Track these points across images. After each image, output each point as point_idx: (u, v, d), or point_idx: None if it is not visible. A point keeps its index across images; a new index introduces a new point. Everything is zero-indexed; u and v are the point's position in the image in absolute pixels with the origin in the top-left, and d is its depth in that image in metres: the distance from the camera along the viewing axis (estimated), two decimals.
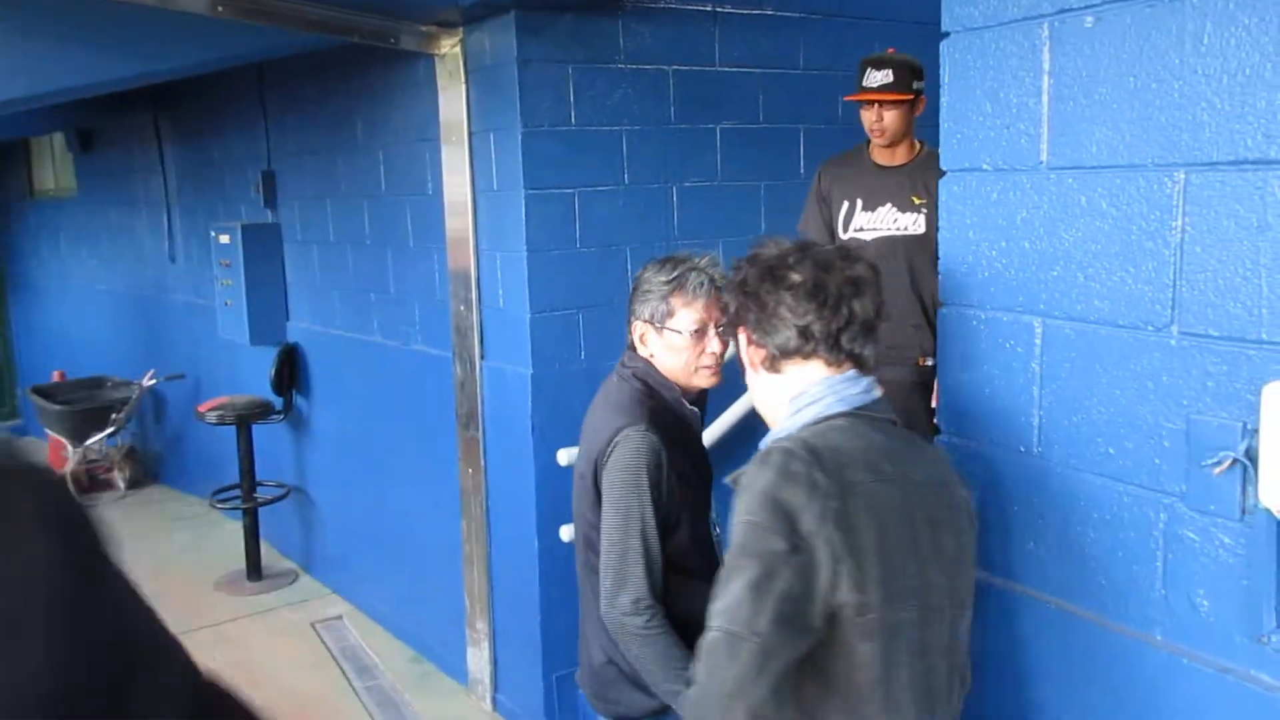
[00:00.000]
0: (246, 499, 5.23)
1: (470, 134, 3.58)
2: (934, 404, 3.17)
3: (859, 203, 3.19)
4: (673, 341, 2.08)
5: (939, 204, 1.63)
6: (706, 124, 3.71)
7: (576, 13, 3.37)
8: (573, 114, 3.42)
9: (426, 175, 3.92)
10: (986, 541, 1.57)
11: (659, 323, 2.08)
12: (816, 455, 1.28)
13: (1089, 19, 1.39)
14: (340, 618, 4.81)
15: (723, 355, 2.08)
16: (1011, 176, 1.52)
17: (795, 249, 1.47)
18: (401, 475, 4.44)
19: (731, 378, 3.60)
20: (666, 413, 2.09)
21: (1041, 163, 1.48)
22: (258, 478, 5.27)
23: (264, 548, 5.33)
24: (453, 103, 3.61)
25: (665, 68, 3.59)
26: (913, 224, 3.10)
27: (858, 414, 1.39)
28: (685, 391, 2.13)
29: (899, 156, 3.16)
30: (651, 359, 2.11)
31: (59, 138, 7.53)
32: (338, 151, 4.56)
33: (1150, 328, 1.38)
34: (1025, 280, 1.50)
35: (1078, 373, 1.46)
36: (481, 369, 3.73)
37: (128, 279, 7.08)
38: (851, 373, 1.41)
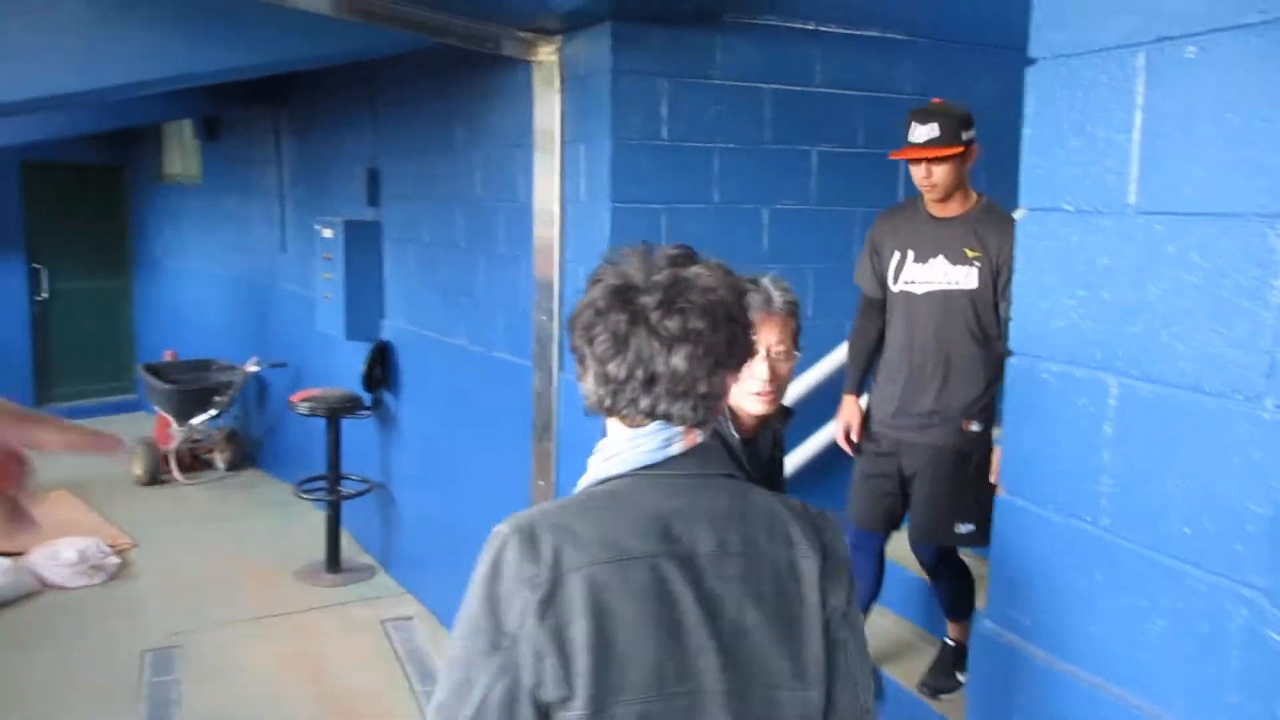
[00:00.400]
0: (330, 491, 5.33)
1: (562, 143, 3.55)
2: (992, 478, 2.98)
3: (910, 254, 3.03)
4: None
5: (1016, 245, 1.50)
6: (802, 145, 3.60)
7: (673, 26, 3.32)
8: (664, 128, 3.36)
9: (519, 182, 3.92)
10: (1034, 612, 1.43)
11: None
12: (533, 539, 1.17)
13: (1191, 49, 1.25)
14: (411, 619, 4.84)
15: (776, 380, 1.99)
16: (1095, 219, 1.38)
17: (616, 282, 1.26)
18: (478, 481, 4.45)
19: (813, 401, 3.50)
20: (713, 437, 2.02)
21: (1128, 205, 1.34)
22: (343, 471, 5.36)
23: (345, 540, 5.42)
24: (547, 110, 3.60)
25: (762, 85, 3.50)
26: (964, 277, 2.94)
27: (644, 474, 1.24)
28: (741, 417, 2.05)
29: (953, 208, 2.99)
30: None
31: (188, 126, 7.86)
32: (438, 153, 4.61)
33: (1240, 397, 1.23)
34: (1103, 334, 1.37)
35: (1154, 440, 1.32)
36: (559, 381, 3.70)
37: (241, 266, 7.33)
38: (654, 426, 1.25)
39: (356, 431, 5.42)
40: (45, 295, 8.83)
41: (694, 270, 1.27)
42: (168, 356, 7.87)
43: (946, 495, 2.97)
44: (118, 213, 9.37)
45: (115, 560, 5.37)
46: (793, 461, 3.55)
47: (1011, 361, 1.53)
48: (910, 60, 3.76)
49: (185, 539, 5.76)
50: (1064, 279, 1.43)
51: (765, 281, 2.02)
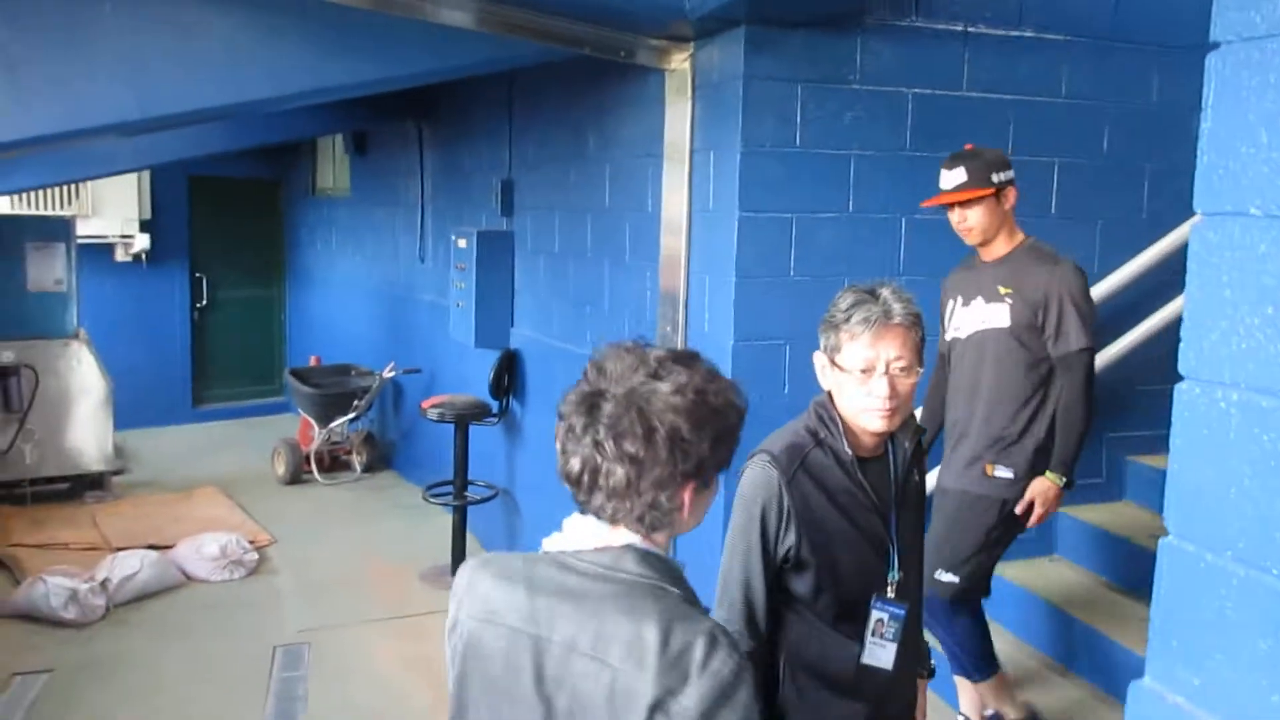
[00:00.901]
0: (457, 496, 5.39)
1: (691, 151, 3.48)
2: (1027, 524, 2.87)
3: (959, 299, 3.01)
4: (840, 379, 1.88)
5: (1189, 256, 1.32)
6: (946, 153, 3.40)
7: (811, 29, 3.19)
8: (798, 135, 3.23)
9: (648, 192, 3.86)
10: (1205, 673, 1.26)
11: (831, 356, 1.88)
12: (461, 574, 1.43)
13: None
14: None
15: (895, 397, 1.85)
16: None
17: (588, 387, 1.34)
18: None
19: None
20: (825, 452, 1.91)
21: None
22: (470, 476, 5.41)
23: (470, 543, 5.47)
24: (678, 119, 3.53)
25: (904, 90, 3.33)
26: (996, 315, 2.86)
27: (561, 555, 1.36)
28: (859, 435, 1.92)
29: (999, 250, 2.92)
30: (830, 394, 1.92)
31: (339, 141, 8.16)
32: (569, 163, 4.61)
33: None
34: None
35: None
36: None
37: (383, 275, 7.55)
38: (591, 519, 1.36)
39: (484, 437, 5.46)
40: (204, 303, 9.33)
41: (662, 386, 1.30)
42: (313, 362, 8.17)
43: (941, 537, 2.88)
44: (273, 224, 9.83)
45: (254, 556, 5.56)
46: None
47: (1181, 388, 1.35)
48: (1067, 62, 3.52)
49: (320, 538, 5.93)
50: (1247, 294, 1.25)
51: (885, 292, 1.88)
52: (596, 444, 1.29)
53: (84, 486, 6.78)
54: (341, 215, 8.46)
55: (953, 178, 2.84)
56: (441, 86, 5.79)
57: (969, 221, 2.85)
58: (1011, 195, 2.87)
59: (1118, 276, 3.58)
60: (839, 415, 1.92)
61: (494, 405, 5.37)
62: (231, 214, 9.52)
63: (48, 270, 6.53)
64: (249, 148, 7.35)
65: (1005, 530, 2.88)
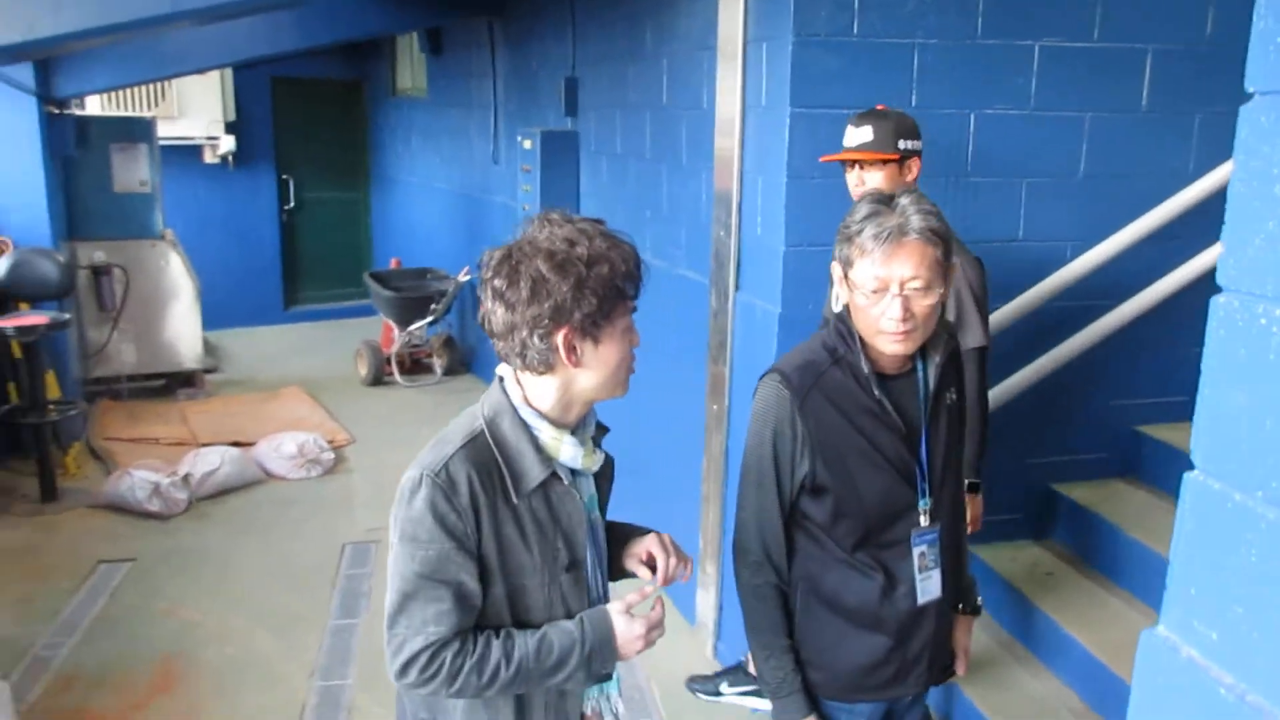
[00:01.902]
0: None
1: (745, 43, 3.25)
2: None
3: None
4: (854, 297, 1.72)
5: (1236, 142, 1.12)
6: (1022, 40, 3.11)
7: None
8: (855, 22, 2.98)
9: (703, 88, 3.66)
10: (1223, 626, 1.11)
11: (845, 270, 1.72)
12: None
13: None
14: None
15: (910, 319, 1.70)
16: None
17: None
18: (656, 403, 4.32)
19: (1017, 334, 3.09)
20: (844, 370, 1.78)
21: None
22: None
23: None
24: (731, 8, 3.29)
25: None
26: None
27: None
28: (878, 355, 1.77)
29: None
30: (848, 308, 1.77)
31: (416, 40, 8.05)
32: (629, 60, 4.41)
33: None
34: None
35: None
36: (734, 301, 3.47)
37: (459, 178, 7.49)
38: (503, 366, 1.62)
39: None
40: (292, 205, 9.46)
41: (540, 235, 1.49)
42: (393, 264, 8.23)
43: None
44: (357, 126, 9.85)
45: (330, 456, 5.70)
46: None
47: (1218, 301, 1.17)
48: None
49: (397, 439, 6.04)
50: None
51: (904, 201, 1.69)
52: (486, 290, 1.50)
53: (177, 384, 7.04)
54: (419, 117, 8.40)
55: (858, 135, 2.64)
56: None
57: (866, 185, 2.62)
58: (915, 167, 2.67)
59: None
60: (858, 331, 1.78)
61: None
62: (316, 115, 9.57)
63: (132, 171, 6.66)
64: (323, 45, 7.30)
65: None
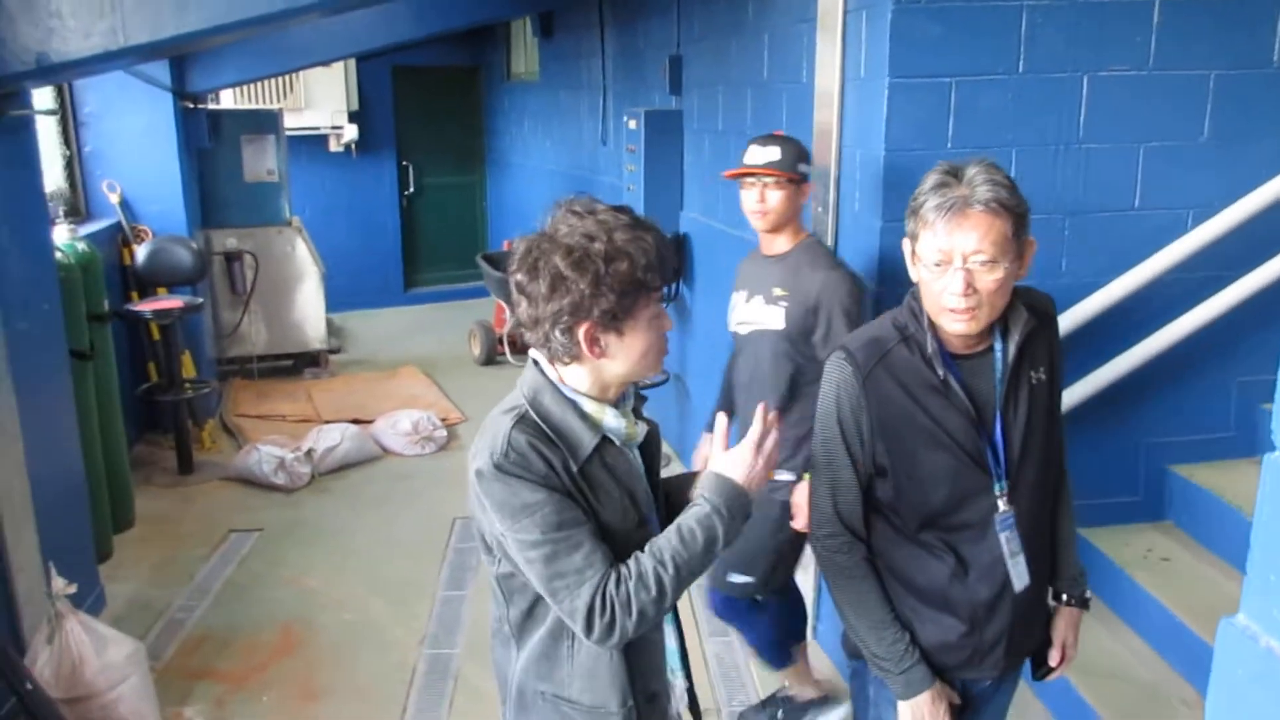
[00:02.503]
0: None
1: (845, 13, 3.18)
2: (797, 524, 2.76)
3: (745, 293, 2.93)
4: (920, 272, 1.67)
5: None
6: None
7: None
8: None
9: (803, 61, 3.60)
10: None
11: (912, 244, 1.68)
12: None
13: None
14: None
15: (974, 295, 1.63)
16: None
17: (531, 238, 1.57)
18: None
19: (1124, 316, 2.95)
20: (912, 348, 1.73)
21: None
22: None
23: None
24: None
25: None
26: (771, 318, 2.80)
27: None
28: (947, 334, 1.72)
29: (779, 245, 2.87)
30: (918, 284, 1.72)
31: (529, 24, 8.16)
32: (731, 35, 4.37)
33: None
34: None
35: None
36: None
37: (570, 158, 7.57)
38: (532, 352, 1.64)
39: None
40: (412, 190, 9.75)
41: (560, 230, 1.50)
42: (506, 246, 8.38)
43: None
44: (474, 112, 10.06)
45: (443, 433, 5.89)
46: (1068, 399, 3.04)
47: None
48: None
49: None
50: None
51: (972, 171, 1.63)
52: (511, 283, 1.54)
53: (304, 364, 7.37)
54: (532, 100, 8.52)
55: (765, 154, 2.79)
56: None
57: (769, 203, 2.79)
58: (806, 191, 2.88)
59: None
60: (926, 309, 1.73)
61: (665, 290, 5.32)
62: (434, 103, 9.82)
63: (260, 161, 6.99)
64: (439, 32, 7.48)
65: (796, 533, 2.81)
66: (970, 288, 1.62)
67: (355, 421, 5.96)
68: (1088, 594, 2.04)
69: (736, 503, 1.55)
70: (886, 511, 1.82)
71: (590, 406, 1.58)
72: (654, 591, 1.49)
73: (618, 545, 1.56)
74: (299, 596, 4.17)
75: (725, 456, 1.58)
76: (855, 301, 2.73)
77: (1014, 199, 1.63)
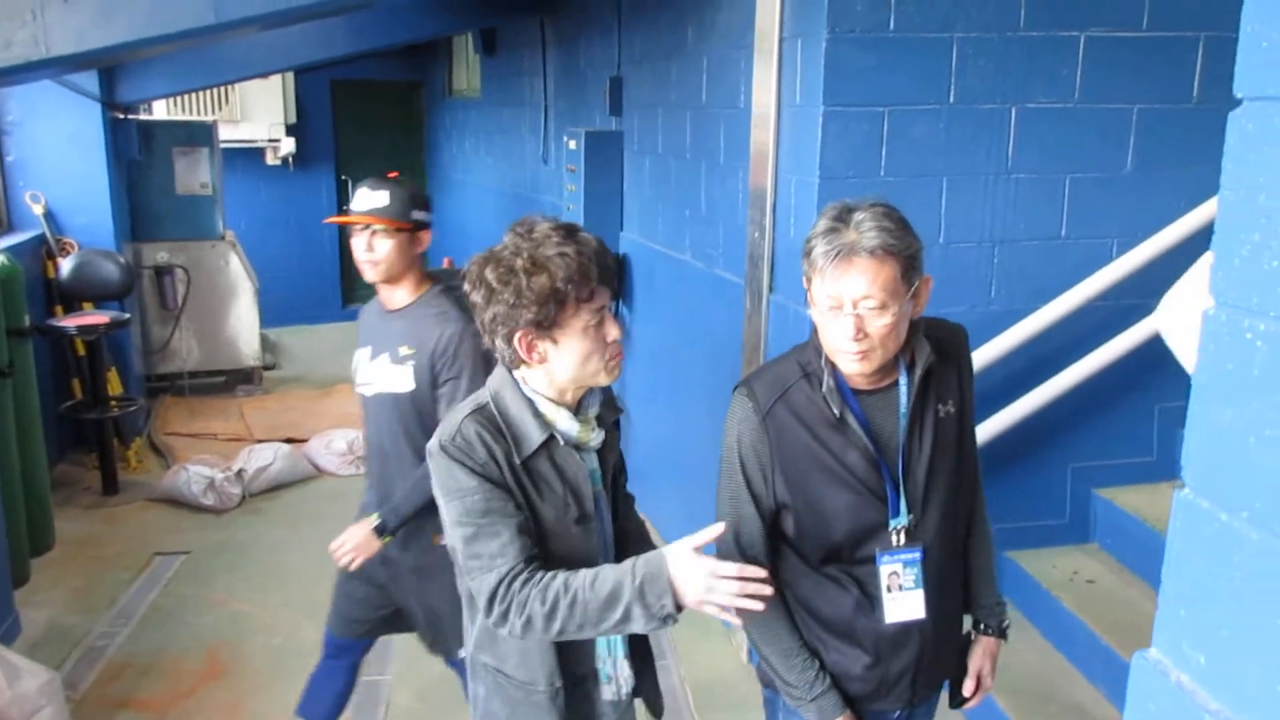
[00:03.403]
0: None
1: (781, 40, 3.22)
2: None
3: (369, 351, 2.68)
4: (814, 313, 1.69)
5: (1225, 151, 1.08)
6: (1067, 30, 3.03)
7: None
8: (892, 17, 2.93)
9: (740, 86, 3.63)
10: (1211, 650, 1.07)
11: (808, 287, 1.69)
12: None
13: None
14: None
15: (870, 339, 1.65)
16: None
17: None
18: (695, 402, 4.31)
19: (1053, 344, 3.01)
20: (813, 384, 1.75)
21: None
22: None
23: None
24: (767, 3, 3.26)
25: None
26: (399, 380, 2.56)
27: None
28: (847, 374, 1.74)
29: (399, 299, 2.62)
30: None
31: (471, 40, 8.13)
32: (671, 58, 4.39)
33: None
34: None
35: None
36: (768, 302, 3.44)
37: (511, 177, 7.55)
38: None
39: None
40: (350, 205, 9.62)
41: (498, 246, 1.68)
42: (445, 263, 8.32)
43: (447, 615, 2.59)
44: (415, 127, 9.99)
45: None
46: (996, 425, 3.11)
47: (1208, 314, 1.12)
48: None
49: None
50: None
51: (861, 215, 1.62)
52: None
53: (237, 380, 7.22)
54: (473, 117, 8.48)
55: (373, 199, 2.55)
56: None
57: (377, 254, 2.55)
58: (425, 239, 2.63)
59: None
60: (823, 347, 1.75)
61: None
62: (375, 117, 9.72)
63: (194, 174, 6.85)
64: (378, 48, 7.41)
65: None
66: (861, 332, 1.63)
67: (289, 441, 5.85)
68: (1006, 624, 2.04)
69: (654, 588, 1.57)
70: (793, 542, 1.83)
71: (546, 407, 1.72)
72: (547, 606, 1.60)
73: (557, 538, 1.72)
74: (227, 620, 4.07)
75: (686, 552, 1.58)
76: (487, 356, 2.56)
77: (903, 242, 1.63)
